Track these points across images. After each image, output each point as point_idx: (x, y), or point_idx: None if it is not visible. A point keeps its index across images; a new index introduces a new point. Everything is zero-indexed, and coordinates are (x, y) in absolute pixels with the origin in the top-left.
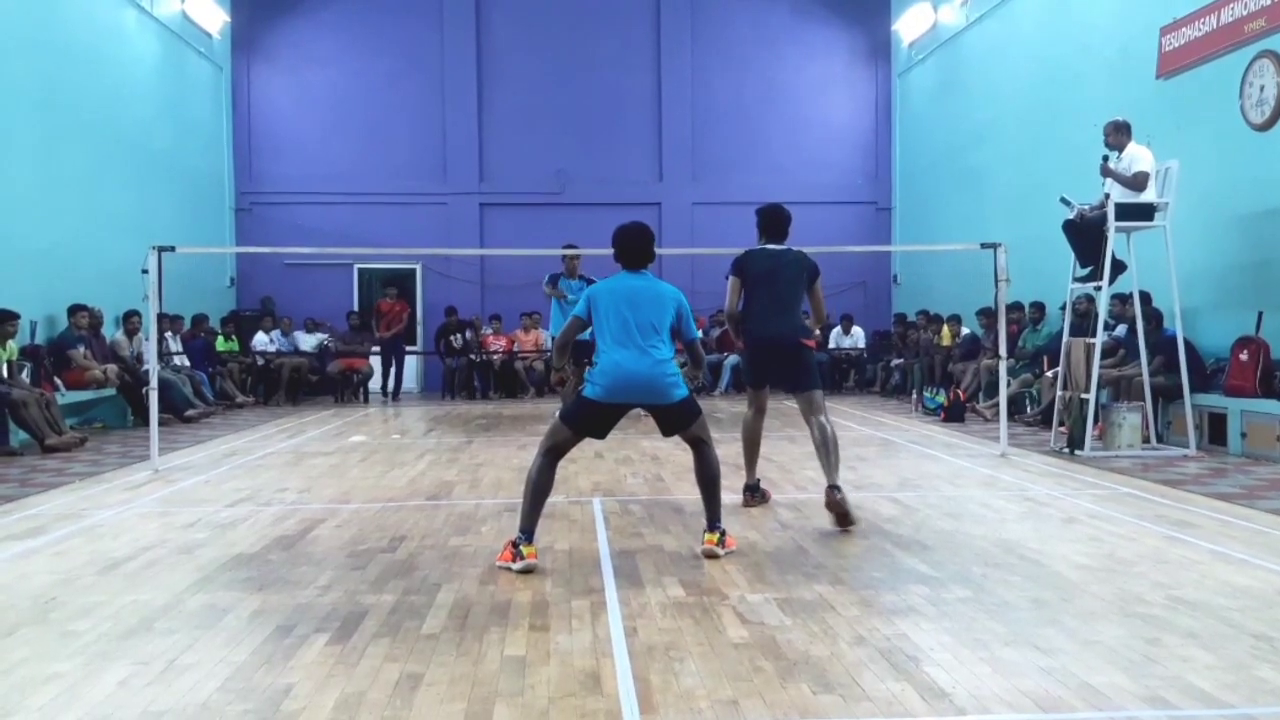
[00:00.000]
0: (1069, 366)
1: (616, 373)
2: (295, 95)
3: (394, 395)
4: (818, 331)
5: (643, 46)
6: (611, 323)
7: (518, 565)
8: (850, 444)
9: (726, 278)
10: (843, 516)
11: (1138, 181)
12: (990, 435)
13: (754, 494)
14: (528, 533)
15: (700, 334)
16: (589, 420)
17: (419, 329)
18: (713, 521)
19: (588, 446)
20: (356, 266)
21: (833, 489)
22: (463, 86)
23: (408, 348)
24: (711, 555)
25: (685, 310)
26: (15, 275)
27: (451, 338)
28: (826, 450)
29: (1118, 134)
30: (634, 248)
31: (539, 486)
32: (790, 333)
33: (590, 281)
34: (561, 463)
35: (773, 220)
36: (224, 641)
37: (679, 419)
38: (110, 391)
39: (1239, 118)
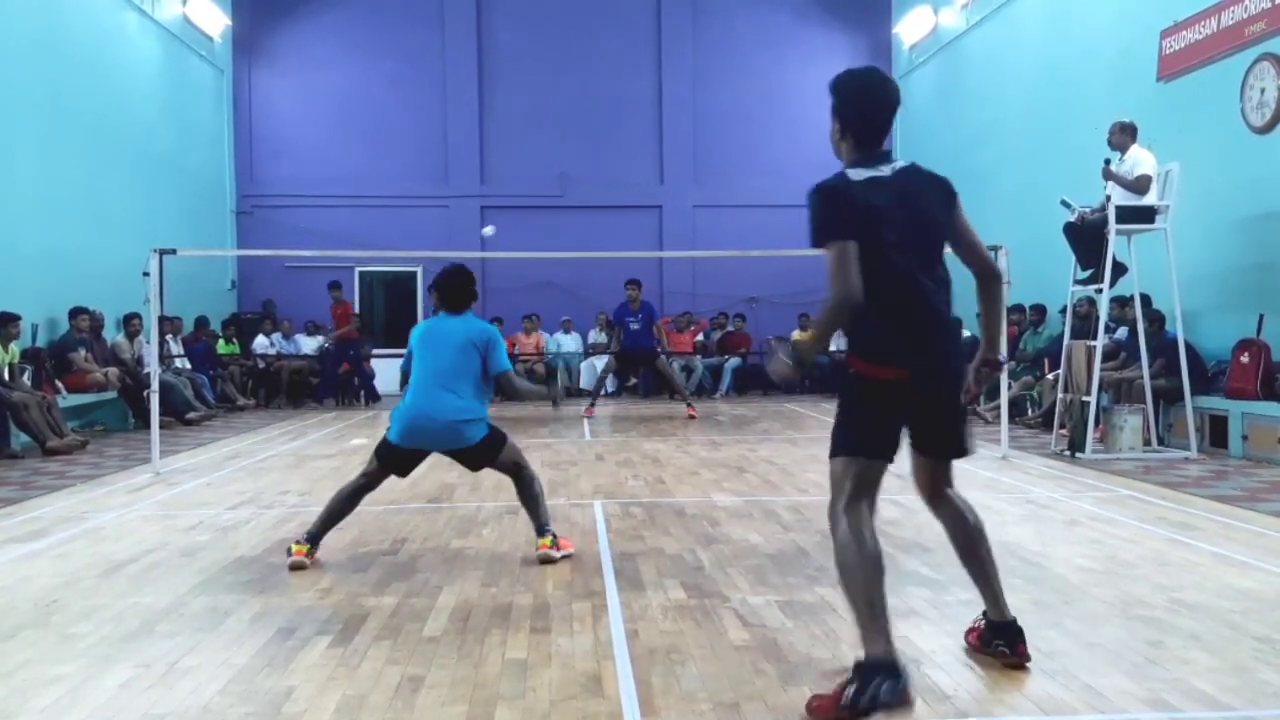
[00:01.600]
0: (1070, 369)
1: (412, 417)
2: (296, 98)
3: (351, 399)
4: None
5: (644, 49)
6: (419, 366)
7: (290, 560)
8: None
9: (824, 241)
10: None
11: (1140, 185)
12: (991, 438)
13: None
14: (313, 538)
15: (701, 336)
16: (392, 460)
17: None
18: (542, 528)
19: (589, 449)
20: (357, 269)
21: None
22: (464, 89)
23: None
24: (548, 560)
25: (495, 344)
26: (17, 278)
27: None
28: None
29: (1123, 134)
30: (450, 288)
31: (339, 506)
32: (957, 345)
33: (652, 309)
34: (562, 464)
35: (875, 103)
36: (225, 644)
37: (484, 456)
38: (111, 394)
39: (1240, 120)
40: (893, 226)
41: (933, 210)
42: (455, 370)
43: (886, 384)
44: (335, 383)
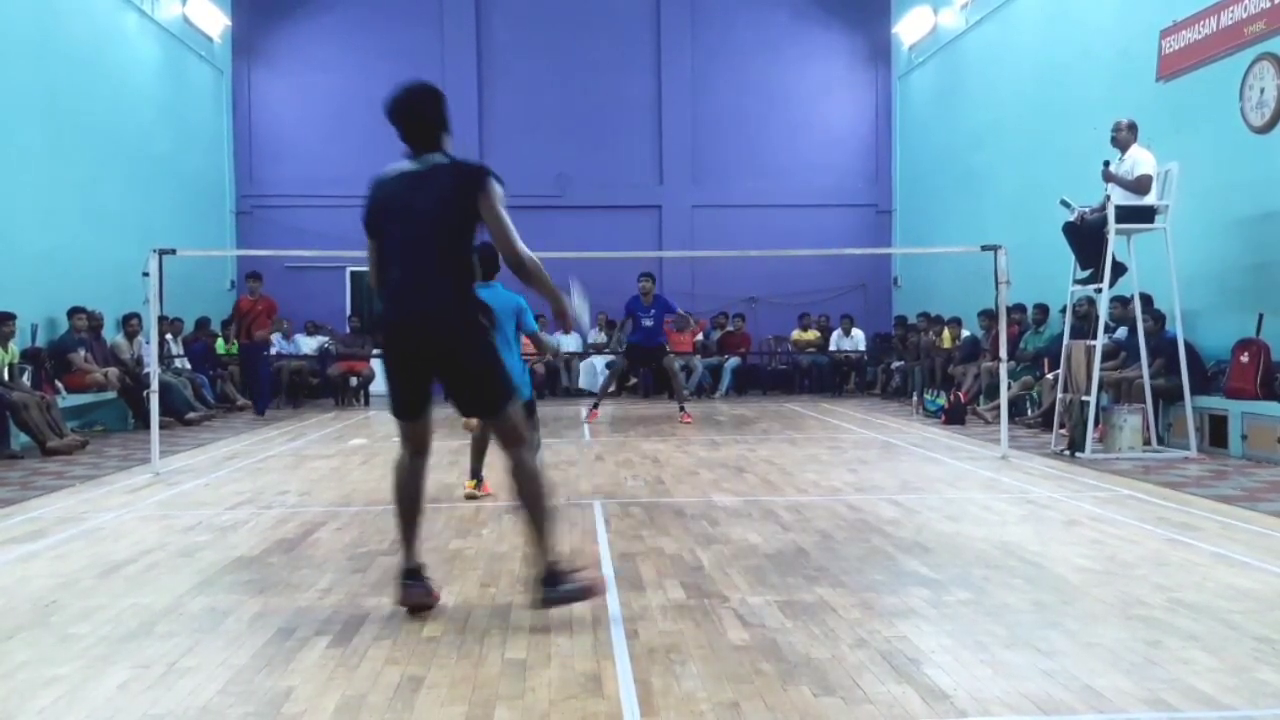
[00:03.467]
0: (1069, 369)
1: None
2: (296, 98)
3: (260, 409)
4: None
5: (643, 50)
6: None
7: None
8: (851, 446)
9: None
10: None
11: (1141, 185)
12: (991, 438)
13: (413, 584)
14: (476, 472)
15: (701, 336)
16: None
17: None
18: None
19: (588, 449)
20: (349, 269)
21: (555, 577)
22: (463, 90)
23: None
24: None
25: (525, 310)
26: (16, 277)
27: None
28: (530, 513)
29: (1129, 132)
30: (482, 261)
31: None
32: (436, 309)
33: (667, 303)
34: (562, 465)
35: (404, 113)
36: (224, 644)
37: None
38: (110, 394)
39: (1239, 120)
40: (394, 214)
41: (443, 200)
42: (504, 333)
43: (385, 348)
44: (259, 386)
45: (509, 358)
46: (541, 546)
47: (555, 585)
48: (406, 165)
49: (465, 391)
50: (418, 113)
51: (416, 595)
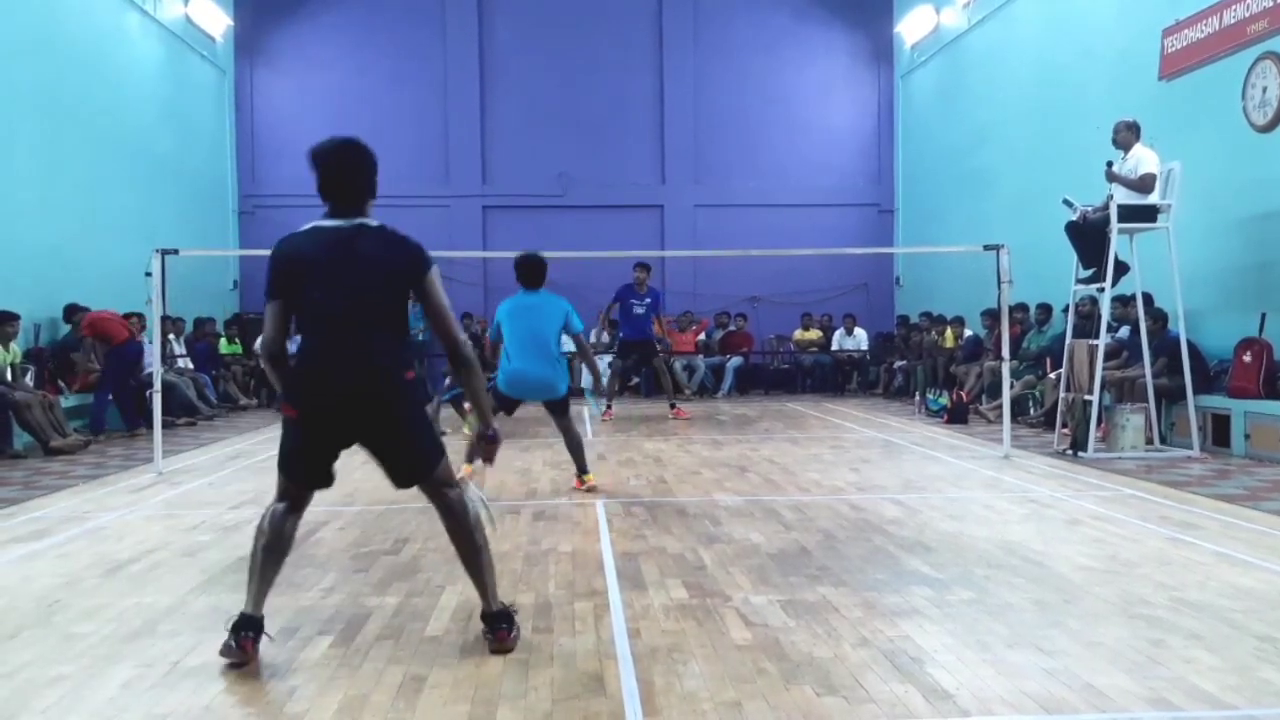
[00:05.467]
0: (1072, 368)
1: (517, 375)
2: (298, 98)
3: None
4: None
5: (645, 49)
6: (515, 333)
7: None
8: (854, 446)
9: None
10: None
11: (1144, 183)
12: (993, 437)
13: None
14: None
15: (703, 336)
16: (503, 404)
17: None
18: (582, 469)
19: (591, 448)
20: None
21: (504, 617)
22: (465, 89)
23: None
24: (592, 489)
25: (572, 311)
26: (18, 277)
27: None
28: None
29: (1128, 133)
30: (531, 270)
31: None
32: (372, 371)
33: (659, 296)
34: (563, 464)
35: (334, 169)
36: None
37: (563, 408)
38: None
39: (1241, 119)
40: (317, 276)
41: (376, 266)
42: (548, 335)
43: (294, 420)
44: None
45: (557, 363)
46: (486, 590)
47: (510, 626)
48: (321, 224)
49: (390, 461)
50: (351, 167)
51: (236, 653)
